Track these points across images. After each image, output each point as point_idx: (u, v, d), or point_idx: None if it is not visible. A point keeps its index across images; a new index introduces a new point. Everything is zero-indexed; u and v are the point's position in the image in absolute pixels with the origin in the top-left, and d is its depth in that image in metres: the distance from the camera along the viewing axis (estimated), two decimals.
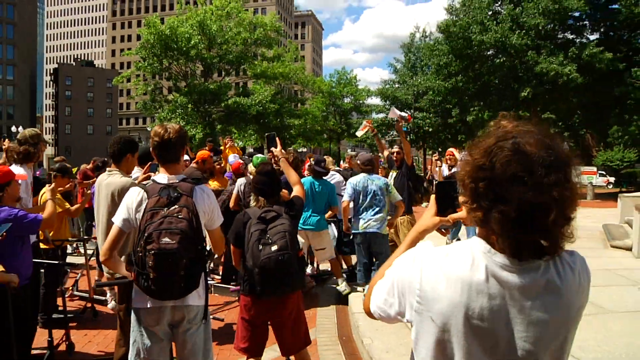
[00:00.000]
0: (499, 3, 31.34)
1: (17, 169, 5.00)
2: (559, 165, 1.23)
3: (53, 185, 4.70)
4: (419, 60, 41.17)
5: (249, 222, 3.58)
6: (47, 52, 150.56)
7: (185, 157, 9.65)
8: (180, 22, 37.16)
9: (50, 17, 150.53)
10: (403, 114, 6.92)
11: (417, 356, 1.38)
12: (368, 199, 6.70)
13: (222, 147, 12.53)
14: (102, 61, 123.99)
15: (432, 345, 1.33)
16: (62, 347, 5.06)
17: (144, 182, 3.24)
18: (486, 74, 31.30)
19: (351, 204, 6.81)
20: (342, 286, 7.05)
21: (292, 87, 62.55)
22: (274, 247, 3.41)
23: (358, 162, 7.24)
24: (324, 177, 7.21)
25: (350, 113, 61.97)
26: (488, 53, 31.19)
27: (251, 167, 7.70)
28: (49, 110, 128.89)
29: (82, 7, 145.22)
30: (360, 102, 59.75)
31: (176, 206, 2.91)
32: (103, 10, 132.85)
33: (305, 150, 55.69)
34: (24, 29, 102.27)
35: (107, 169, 4.51)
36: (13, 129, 62.68)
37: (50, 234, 5.83)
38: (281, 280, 3.49)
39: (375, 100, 49.45)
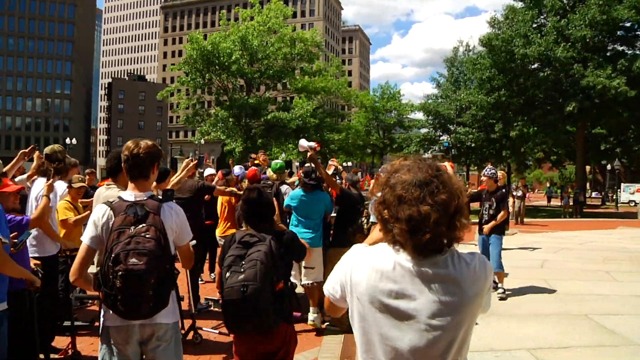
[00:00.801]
0: (544, 16, 30.55)
1: (60, 185, 5.50)
2: (427, 181, 1.59)
3: (50, 181, 4.78)
4: (462, 74, 40.54)
5: (227, 249, 3.30)
6: (102, 67, 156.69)
7: (210, 170, 9.65)
8: (222, 38, 37.74)
9: (107, 34, 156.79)
10: (311, 144, 6.63)
11: (353, 327, 1.78)
12: None
13: (253, 162, 12.44)
14: (154, 76, 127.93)
15: (357, 317, 1.73)
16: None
17: (111, 200, 3.15)
18: (530, 87, 30.52)
19: None
20: (313, 316, 6.36)
21: (336, 101, 62.73)
22: (241, 277, 3.04)
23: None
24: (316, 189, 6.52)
25: (394, 128, 61.46)
26: (532, 67, 30.42)
27: (269, 172, 7.60)
28: (103, 123, 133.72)
29: (136, 24, 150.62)
30: (404, 116, 59.26)
31: (144, 225, 2.84)
32: (155, 26, 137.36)
33: (350, 164, 55.58)
34: (81, 46, 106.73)
35: (106, 182, 4.53)
36: (67, 140, 65.55)
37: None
38: (244, 315, 3.07)
39: (419, 115, 49.00)
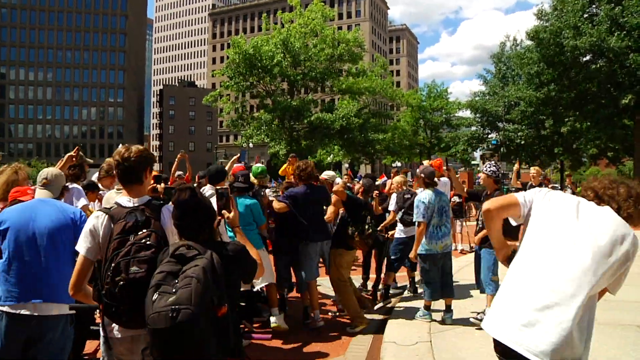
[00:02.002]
0: (596, 4, 29.17)
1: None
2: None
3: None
4: (509, 70, 39.27)
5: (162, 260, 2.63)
6: (154, 75, 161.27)
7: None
8: (264, 41, 37.95)
9: (158, 42, 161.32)
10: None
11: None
12: (442, 217, 6.48)
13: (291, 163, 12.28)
14: (204, 81, 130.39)
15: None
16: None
17: (107, 207, 3.03)
18: (582, 81, 29.22)
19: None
20: (274, 319, 6.18)
21: (384, 101, 62.17)
22: (171, 299, 2.34)
23: (422, 175, 6.60)
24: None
25: (441, 127, 60.39)
26: (584, 59, 29.13)
27: (252, 178, 7.29)
28: (155, 129, 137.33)
29: (185, 32, 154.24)
30: (451, 115, 58.11)
31: (144, 231, 2.73)
32: (204, 33, 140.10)
33: (400, 165, 54.96)
34: (133, 56, 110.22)
35: (116, 187, 4.48)
36: (120, 147, 67.66)
37: None
38: (175, 349, 2.36)
39: (467, 113, 47.90)
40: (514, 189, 7.70)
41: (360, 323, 6.39)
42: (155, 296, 2.39)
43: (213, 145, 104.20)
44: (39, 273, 3.35)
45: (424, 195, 6.44)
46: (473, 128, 43.15)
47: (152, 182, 4.11)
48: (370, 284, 8.50)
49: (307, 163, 6.63)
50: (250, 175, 7.14)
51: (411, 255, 6.61)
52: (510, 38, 41.79)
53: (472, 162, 53.91)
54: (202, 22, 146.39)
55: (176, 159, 8.96)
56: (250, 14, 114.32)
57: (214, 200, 4.45)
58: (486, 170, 6.47)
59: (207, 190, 5.52)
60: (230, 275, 2.57)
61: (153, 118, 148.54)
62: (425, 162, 7.88)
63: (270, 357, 5.50)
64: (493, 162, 6.70)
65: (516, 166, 9.79)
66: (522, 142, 34.86)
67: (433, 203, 6.38)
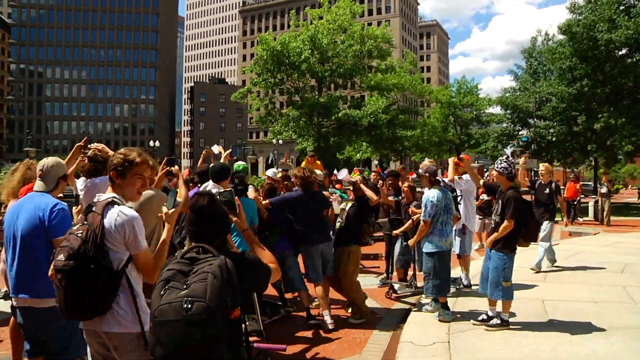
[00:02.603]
0: None
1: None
2: None
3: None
4: (541, 65, 38.35)
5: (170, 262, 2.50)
6: (185, 72, 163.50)
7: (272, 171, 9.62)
8: (292, 38, 37.92)
9: (189, 40, 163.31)
10: (351, 178, 7.30)
11: None
12: (448, 214, 6.56)
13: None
14: (234, 78, 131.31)
15: None
16: None
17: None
18: (617, 75, 28.35)
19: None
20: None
21: (413, 98, 61.59)
22: (183, 292, 2.20)
23: (426, 174, 6.57)
24: None
25: (471, 123, 59.49)
26: (619, 53, 28.25)
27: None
28: (186, 125, 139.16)
29: (216, 29, 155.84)
30: (482, 111, 57.13)
31: (84, 223, 2.78)
32: (235, 30, 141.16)
33: (429, 161, 54.31)
34: (165, 53, 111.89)
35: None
36: (151, 143, 68.86)
37: None
38: (185, 348, 2.16)
39: (497, 109, 47.05)
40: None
41: (365, 316, 6.60)
42: (163, 291, 2.26)
43: (243, 141, 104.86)
44: (19, 271, 3.53)
45: (432, 194, 6.42)
46: (504, 125, 42.38)
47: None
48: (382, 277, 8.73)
49: (306, 171, 6.70)
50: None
51: (411, 242, 6.91)
52: (541, 33, 40.90)
53: None
54: (232, 20, 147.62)
55: (202, 155, 9.07)
56: (280, 11, 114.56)
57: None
58: (498, 168, 6.21)
59: (211, 187, 5.48)
60: (242, 283, 2.41)
61: (184, 115, 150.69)
62: (427, 161, 7.81)
63: (288, 355, 5.46)
64: (505, 157, 6.45)
65: (522, 160, 9.11)
66: (554, 139, 33.98)
67: (441, 201, 6.40)
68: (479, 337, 5.67)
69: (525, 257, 9.16)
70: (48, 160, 3.84)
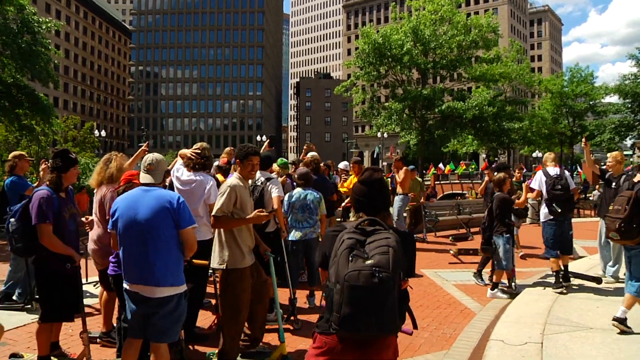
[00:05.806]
0: None
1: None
2: None
3: None
4: None
5: (341, 234, 2.67)
6: (291, 68, 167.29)
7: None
8: (394, 30, 37.47)
9: (294, 36, 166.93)
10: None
11: None
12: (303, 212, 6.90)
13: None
14: (339, 73, 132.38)
15: None
16: None
17: None
18: None
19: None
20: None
21: (521, 88, 58.69)
22: (369, 262, 2.45)
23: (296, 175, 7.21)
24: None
25: (585, 114, 55.30)
26: None
27: (275, 166, 7.66)
28: (293, 120, 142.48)
29: (321, 25, 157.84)
30: (597, 101, 52.77)
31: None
32: (339, 25, 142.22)
33: (540, 155, 51.76)
34: (271, 51, 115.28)
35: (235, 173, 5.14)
36: (257, 138, 71.40)
37: None
38: (369, 310, 2.43)
39: (614, 99, 43.50)
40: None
41: None
42: (350, 257, 2.49)
43: (349, 135, 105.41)
44: (141, 262, 3.69)
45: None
46: (622, 115, 39.34)
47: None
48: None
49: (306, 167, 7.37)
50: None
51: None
52: None
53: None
54: (336, 15, 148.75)
55: (303, 149, 9.95)
56: (384, 3, 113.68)
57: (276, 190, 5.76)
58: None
59: (258, 175, 6.09)
60: (406, 255, 2.66)
61: (290, 110, 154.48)
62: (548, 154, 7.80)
63: None
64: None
65: (585, 146, 7.91)
66: None
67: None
68: (575, 341, 5.33)
69: None
70: (156, 156, 4.06)
